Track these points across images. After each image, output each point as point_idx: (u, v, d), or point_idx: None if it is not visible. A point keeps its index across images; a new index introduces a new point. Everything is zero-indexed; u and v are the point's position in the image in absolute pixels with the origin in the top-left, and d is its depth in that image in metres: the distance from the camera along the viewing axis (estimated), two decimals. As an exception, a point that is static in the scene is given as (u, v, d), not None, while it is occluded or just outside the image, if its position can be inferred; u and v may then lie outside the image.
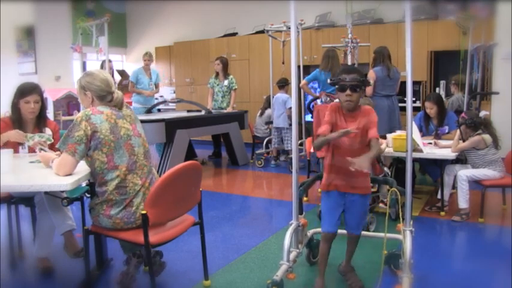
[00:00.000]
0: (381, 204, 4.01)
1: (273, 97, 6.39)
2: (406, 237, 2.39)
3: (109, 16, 5.25)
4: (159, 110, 8.12)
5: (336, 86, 2.38)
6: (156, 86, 6.90)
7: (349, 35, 5.29)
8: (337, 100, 2.54)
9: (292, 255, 2.53)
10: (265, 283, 2.35)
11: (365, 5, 7.07)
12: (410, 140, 2.39)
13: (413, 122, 3.00)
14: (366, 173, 2.40)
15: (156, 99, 7.18)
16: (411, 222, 2.43)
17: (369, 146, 2.36)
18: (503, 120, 5.42)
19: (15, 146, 2.93)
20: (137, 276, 2.57)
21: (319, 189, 2.67)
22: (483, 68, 5.77)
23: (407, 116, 2.36)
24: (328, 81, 2.54)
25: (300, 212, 2.64)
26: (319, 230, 2.65)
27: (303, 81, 5.62)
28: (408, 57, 2.31)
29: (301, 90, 5.90)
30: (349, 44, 5.38)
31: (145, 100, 6.71)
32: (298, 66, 5.96)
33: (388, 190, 2.59)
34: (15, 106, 2.94)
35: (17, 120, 2.95)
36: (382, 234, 2.63)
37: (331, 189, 2.45)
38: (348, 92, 2.32)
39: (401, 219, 2.44)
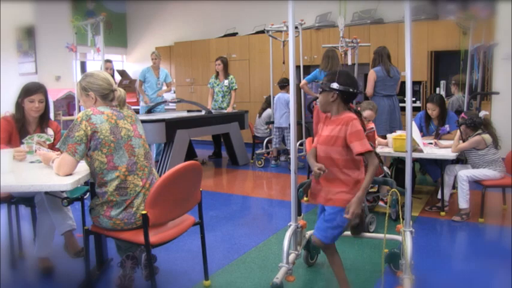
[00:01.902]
0: (380, 203, 4.01)
1: (274, 97, 6.39)
2: (406, 238, 2.39)
3: (104, 15, 5.24)
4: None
5: None
6: (168, 85, 6.91)
7: (341, 37, 5.31)
8: None
9: (291, 257, 2.52)
10: (266, 283, 2.35)
11: (365, 5, 7.07)
12: (410, 140, 2.39)
13: (414, 122, 3.00)
14: (345, 184, 2.25)
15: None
16: (411, 223, 2.42)
17: (354, 160, 2.25)
18: (503, 120, 5.43)
19: (17, 146, 2.93)
20: (135, 278, 2.56)
21: None
22: (483, 68, 5.77)
23: (407, 116, 2.36)
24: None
25: (299, 213, 2.64)
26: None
27: (302, 81, 5.62)
28: (408, 57, 2.30)
29: (301, 90, 5.90)
30: (343, 44, 5.40)
31: (155, 98, 6.74)
32: (298, 66, 5.97)
33: (388, 190, 2.58)
34: (19, 105, 2.95)
35: (20, 119, 2.96)
36: (382, 235, 2.63)
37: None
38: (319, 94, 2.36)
39: (401, 219, 2.44)
